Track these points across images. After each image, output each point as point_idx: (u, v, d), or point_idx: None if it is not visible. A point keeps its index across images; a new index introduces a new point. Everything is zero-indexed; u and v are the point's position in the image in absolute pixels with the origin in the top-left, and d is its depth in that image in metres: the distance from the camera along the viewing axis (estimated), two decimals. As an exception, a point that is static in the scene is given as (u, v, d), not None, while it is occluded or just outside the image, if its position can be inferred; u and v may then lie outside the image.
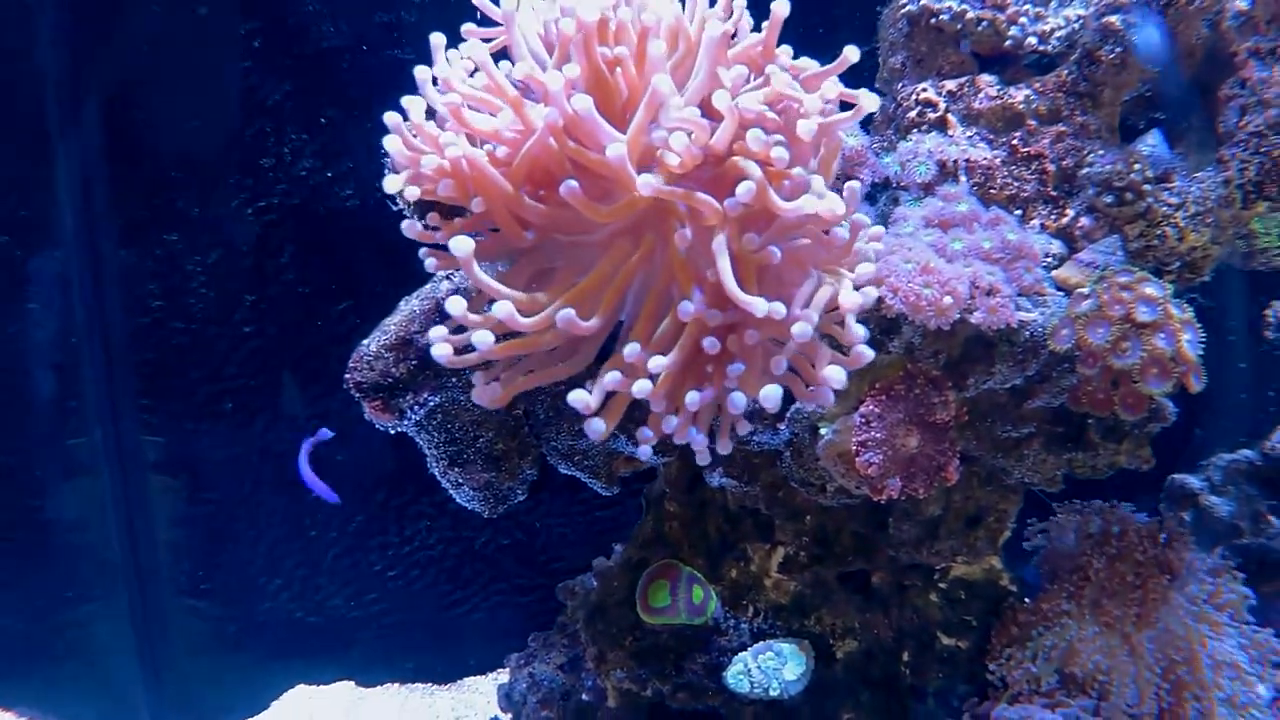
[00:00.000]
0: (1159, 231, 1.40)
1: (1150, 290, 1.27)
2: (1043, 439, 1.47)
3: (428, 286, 1.45)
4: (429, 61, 1.08)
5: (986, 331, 1.33)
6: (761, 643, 1.71)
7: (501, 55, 1.14)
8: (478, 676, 2.60)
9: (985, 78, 1.53)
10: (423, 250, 1.16)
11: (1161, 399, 1.36)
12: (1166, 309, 1.26)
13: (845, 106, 1.07)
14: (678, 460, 1.78)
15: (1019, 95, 1.49)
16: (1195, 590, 1.65)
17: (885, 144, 1.63)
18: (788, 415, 1.52)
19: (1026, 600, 1.72)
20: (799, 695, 1.67)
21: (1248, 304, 2.08)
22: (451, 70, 0.99)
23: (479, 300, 1.15)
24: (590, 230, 0.96)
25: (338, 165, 2.12)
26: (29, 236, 2.14)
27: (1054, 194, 1.49)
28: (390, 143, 0.98)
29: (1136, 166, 1.39)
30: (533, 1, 1.04)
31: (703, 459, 1.06)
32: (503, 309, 0.94)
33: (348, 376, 1.43)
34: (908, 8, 1.59)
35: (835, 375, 0.99)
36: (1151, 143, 1.44)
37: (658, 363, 0.94)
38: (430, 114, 1.11)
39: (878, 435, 1.41)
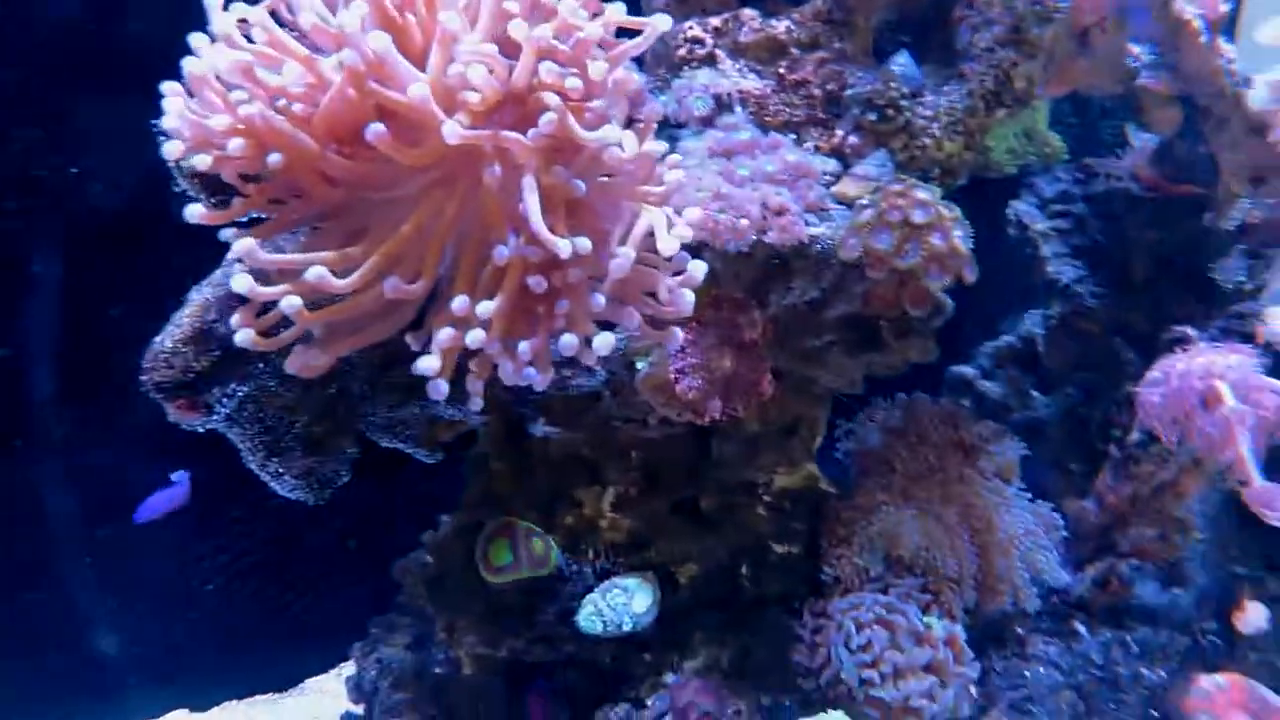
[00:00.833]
0: (919, 143, 1.53)
1: (922, 195, 1.39)
2: (842, 346, 1.59)
3: (218, 272, 1.37)
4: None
5: (781, 249, 1.42)
6: (607, 581, 1.75)
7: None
8: (320, 676, 2.51)
9: (747, 11, 1.60)
10: (226, 232, 1.09)
11: (941, 294, 1.49)
12: (938, 210, 1.38)
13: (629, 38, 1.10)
14: (497, 418, 1.79)
15: (780, 26, 1.57)
16: (985, 464, 1.84)
17: (658, 83, 1.68)
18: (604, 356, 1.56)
19: (843, 497, 1.85)
20: (650, 625, 1.74)
21: (990, 208, 2.31)
22: (231, 28, 0.94)
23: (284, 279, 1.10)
24: (401, 183, 0.94)
25: (82, 160, 1.95)
26: None
27: (823, 116, 1.59)
28: (171, 105, 0.92)
29: (893, 85, 1.51)
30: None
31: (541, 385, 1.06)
32: (314, 272, 0.91)
33: (145, 378, 1.33)
34: (667, -51, 1.65)
35: (684, 299, 1.02)
36: (902, 62, 1.57)
37: (486, 308, 0.94)
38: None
39: (693, 361, 1.47)
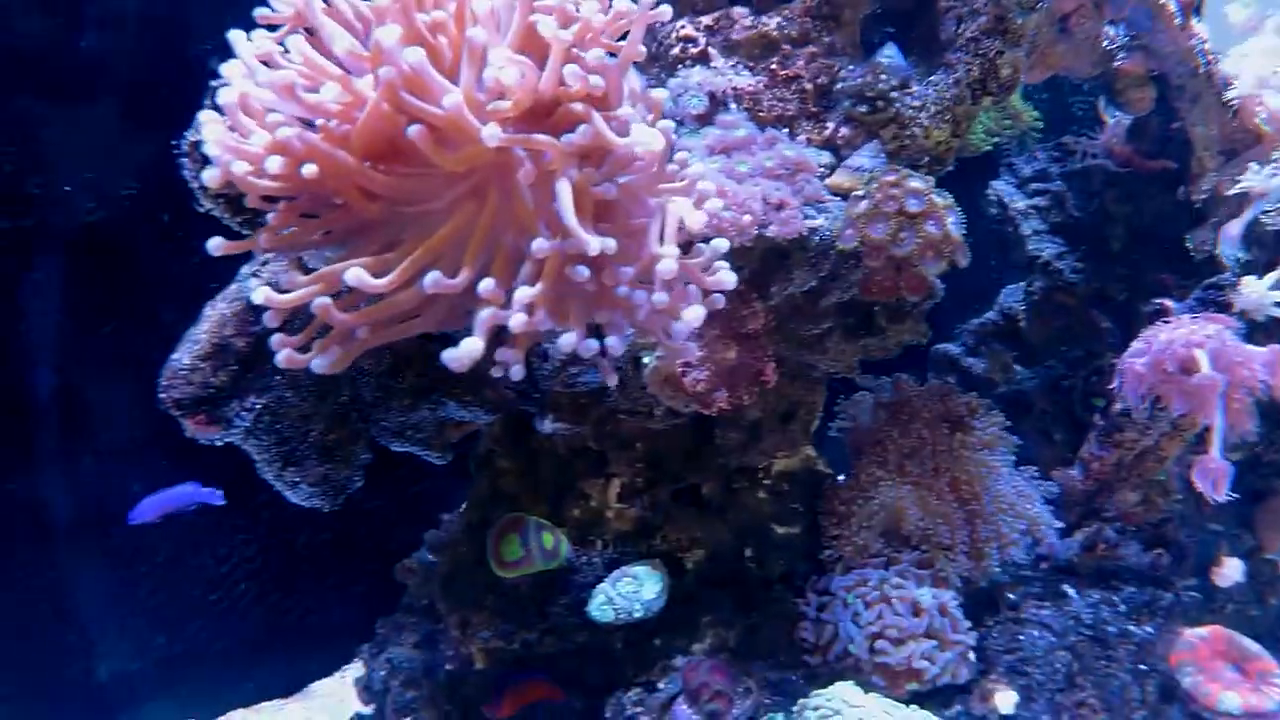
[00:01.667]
0: (908, 132, 1.57)
1: (915, 184, 1.43)
2: (839, 331, 1.63)
3: (234, 287, 1.38)
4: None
5: (781, 242, 1.46)
6: (616, 571, 1.79)
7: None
8: (325, 680, 2.53)
9: (738, 10, 1.63)
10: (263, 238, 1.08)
11: (934, 278, 1.54)
12: (931, 199, 1.43)
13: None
14: (502, 416, 1.82)
15: (771, 23, 1.60)
16: (973, 437, 1.90)
17: (653, 82, 1.70)
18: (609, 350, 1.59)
19: (842, 478, 1.91)
20: (660, 611, 1.78)
21: (967, 185, 2.36)
22: (271, 47, 0.94)
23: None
24: (434, 196, 0.96)
25: (72, 177, 1.93)
26: None
27: (815, 109, 1.62)
28: (209, 130, 0.93)
29: (883, 77, 1.55)
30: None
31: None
32: (353, 274, 0.92)
33: (163, 395, 1.34)
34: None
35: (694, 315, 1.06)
36: (889, 54, 1.61)
37: (525, 292, 0.95)
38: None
39: (700, 353, 1.51)
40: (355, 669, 2.44)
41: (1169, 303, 1.76)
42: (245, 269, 1.43)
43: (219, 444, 1.44)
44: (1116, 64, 1.79)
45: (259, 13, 1.00)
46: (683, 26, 1.65)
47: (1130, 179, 2.07)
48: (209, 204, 1.18)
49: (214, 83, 1.13)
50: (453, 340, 1.55)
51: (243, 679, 2.47)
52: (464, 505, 1.99)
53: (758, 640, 1.88)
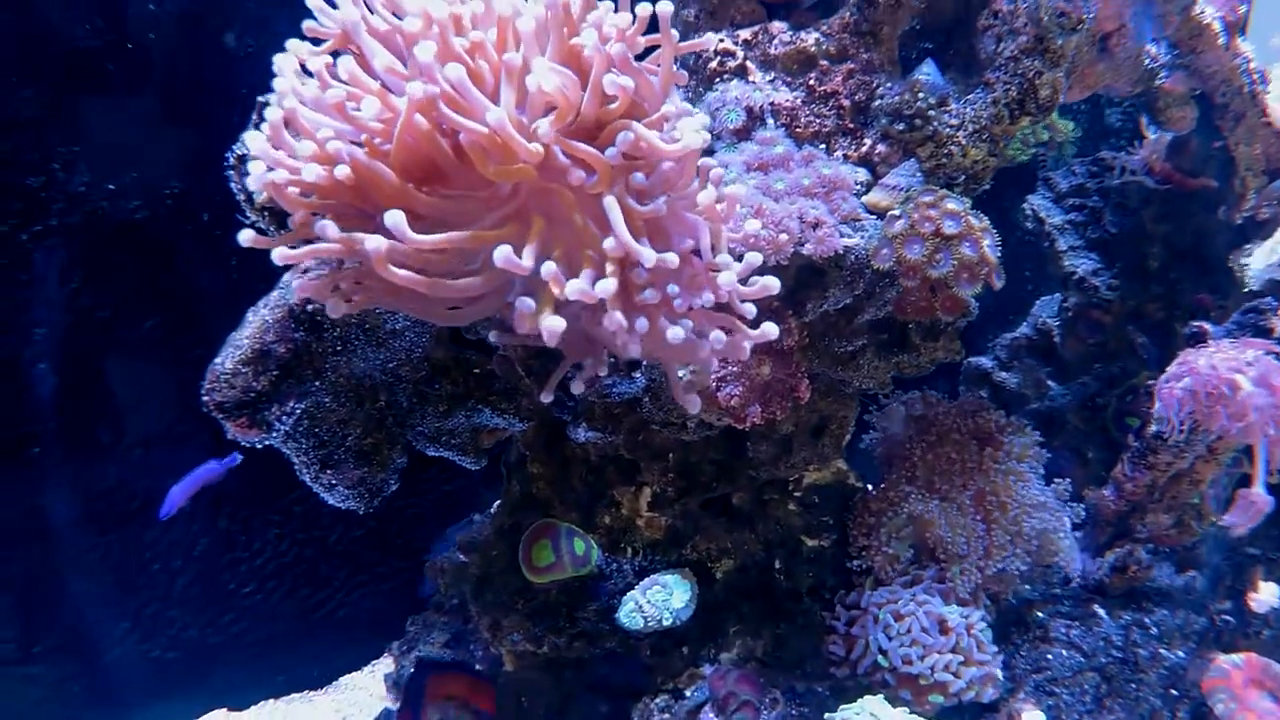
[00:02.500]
0: (946, 150, 1.57)
1: (952, 205, 1.43)
2: (873, 348, 1.64)
3: (275, 294, 1.41)
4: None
5: (817, 260, 1.46)
6: (646, 579, 1.81)
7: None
8: (355, 673, 2.57)
9: (777, 24, 1.64)
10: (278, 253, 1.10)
11: (969, 299, 1.54)
12: (968, 220, 1.43)
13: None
14: (536, 423, 1.84)
15: (810, 38, 1.61)
16: (1003, 453, 1.89)
17: (690, 96, 1.71)
18: (643, 363, 1.61)
19: (872, 490, 1.91)
20: (689, 620, 1.79)
21: (1001, 197, 2.35)
22: (320, 65, 0.97)
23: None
24: (478, 219, 0.98)
25: (119, 176, 1.97)
26: None
27: (851, 126, 1.63)
28: (254, 141, 0.95)
29: (921, 95, 1.55)
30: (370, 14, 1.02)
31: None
32: (391, 217, 0.91)
33: (206, 398, 1.37)
34: (696, -38, 1.67)
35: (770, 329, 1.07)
36: (926, 71, 1.60)
37: (605, 286, 0.96)
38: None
39: (734, 369, 1.52)
40: (385, 664, 2.49)
41: (1207, 326, 1.75)
42: (287, 276, 1.46)
43: (259, 446, 1.47)
44: (1158, 83, 1.78)
45: (306, 25, 1.02)
46: (721, 40, 1.66)
47: (1170, 196, 2.05)
48: (254, 216, 1.21)
49: (261, 99, 1.16)
50: (488, 349, 1.59)
51: (275, 671, 2.51)
52: (496, 508, 2.01)
53: (785, 651, 1.89)
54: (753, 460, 1.78)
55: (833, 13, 1.63)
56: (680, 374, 1.59)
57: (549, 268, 0.94)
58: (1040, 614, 1.95)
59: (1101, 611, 1.95)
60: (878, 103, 1.60)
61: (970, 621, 1.76)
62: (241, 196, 1.23)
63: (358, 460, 1.57)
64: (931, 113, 1.57)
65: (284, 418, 1.42)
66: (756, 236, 1.39)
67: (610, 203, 0.96)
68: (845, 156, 1.63)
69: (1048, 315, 2.32)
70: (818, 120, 1.62)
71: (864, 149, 1.62)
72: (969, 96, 1.60)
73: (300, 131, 0.98)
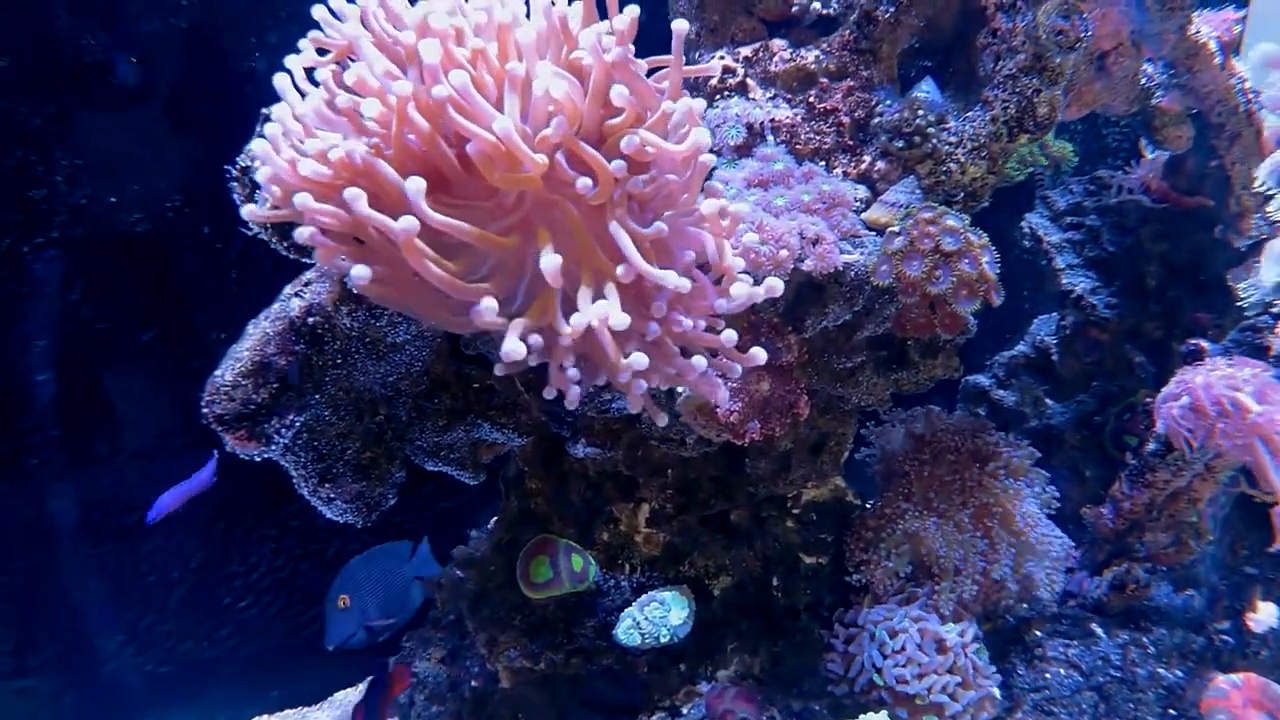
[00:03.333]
0: (944, 168, 1.58)
1: (951, 222, 1.44)
2: (872, 365, 1.64)
3: (276, 307, 1.41)
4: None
5: (817, 276, 1.47)
6: (644, 595, 1.80)
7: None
8: (348, 690, 2.55)
9: (777, 42, 1.65)
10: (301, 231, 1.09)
11: (968, 316, 1.54)
12: (967, 237, 1.43)
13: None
14: (535, 438, 1.83)
15: (810, 56, 1.62)
16: (1001, 471, 1.89)
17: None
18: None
19: (869, 507, 1.90)
20: (686, 637, 1.78)
21: (998, 216, 2.36)
22: (327, 75, 0.97)
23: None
24: (481, 226, 0.98)
25: (121, 189, 1.98)
26: None
27: (851, 143, 1.64)
28: (261, 150, 0.95)
29: (920, 112, 1.56)
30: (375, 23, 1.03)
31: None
32: (413, 183, 0.90)
33: (205, 410, 1.37)
34: (698, -21, 1.69)
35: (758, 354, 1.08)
36: (926, 89, 1.62)
37: (621, 321, 0.96)
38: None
39: (733, 385, 1.52)
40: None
41: (1204, 344, 1.75)
42: (288, 288, 1.46)
43: (258, 459, 1.47)
44: (1155, 101, 1.79)
45: (311, 35, 1.03)
46: (722, 57, 1.67)
47: (1167, 215, 2.06)
48: (257, 227, 1.21)
49: (265, 110, 1.16)
50: (488, 364, 1.58)
51: (269, 686, 2.50)
52: (493, 524, 2.01)
53: (783, 669, 1.88)
54: (751, 477, 1.78)
55: (833, 31, 1.64)
56: (681, 390, 1.60)
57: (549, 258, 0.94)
58: (1038, 632, 1.94)
59: (1099, 630, 1.95)
60: (877, 120, 1.61)
61: (967, 641, 1.76)
62: (244, 208, 1.23)
63: (356, 474, 1.57)
64: (930, 130, 1.58)
65: (283, 430, 1.42)
66: (757, 252, 1.40)
67: (617, 228, 0.96)
68: (845, 173, 1.63)
69: (1045, 333, 2.33)
70: (818, 137, 1.63)
71: (863, 166, 1.63)
72: (968, 114, 1.61)
73: (306, 136, 0.98)
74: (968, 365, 2.42)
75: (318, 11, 1.01)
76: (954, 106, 1.64)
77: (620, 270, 0.95)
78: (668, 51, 1.07)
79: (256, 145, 0.96)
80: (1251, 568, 2.09)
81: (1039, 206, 2.28)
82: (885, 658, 1.72)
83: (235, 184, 1.22)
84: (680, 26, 1.02)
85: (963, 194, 1.62)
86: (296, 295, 1.40)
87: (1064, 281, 2.16)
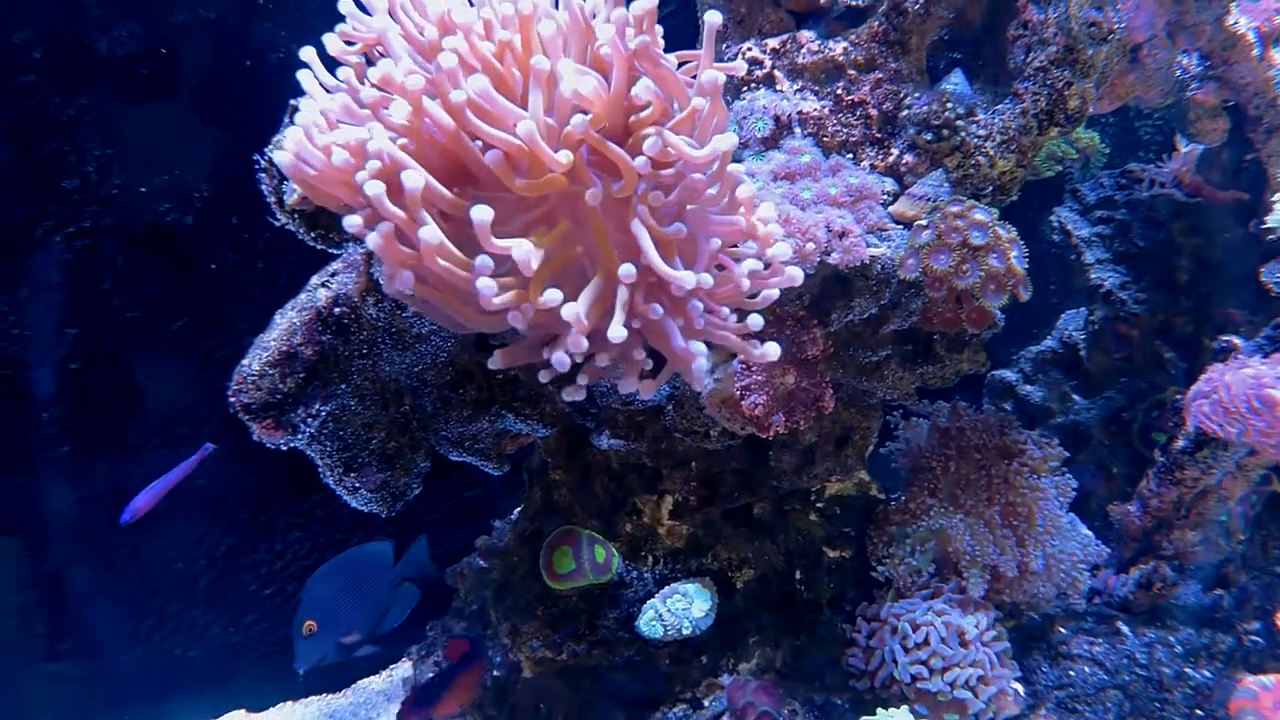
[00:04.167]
0: (973, 161, 1.56)
1: (979, 216, 1.43)
2: (898, 359, 1.63)
3: (303, 296, 1.42)
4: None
5: (843, 270, 1.46)
6: (667, 587, 1.80)
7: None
8: (372, 677, 2.57)
9: (805, 33, 1.63)
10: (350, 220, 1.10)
11: (996, 311, 1.53)
12: (995, 231, 1.42)
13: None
14: (559, 430, 1.84)
15: (838, 48, 1.60)
16: (1027, 468, 1.87)
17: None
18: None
19: (894, 501, 1.89)
20: (708, 629, 1.78)
21: (1028, 210, 2.34)
22: (350, 73, 0.97)
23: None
24: (507, 221, 0.99)
25: (151, 179, 2.00)
26: None
27: (879, 135, 1.62)
28: (291, 142, 0.96)
29: (949, 105, 1.54)
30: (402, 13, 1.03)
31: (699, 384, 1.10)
32: (410, 176, 0.91)
33: (233, 399, 1.38)
34: (725, -29, 1.68)
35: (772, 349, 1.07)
36: (955, 81, 1.60)
37: (619, 334, 0.96)
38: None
39: (758, 378, 1.52)
40: (403, 668, 2.49)
41: (1237, 340, 1.73)
42: (314, 279, 1.47)
43: (284, 448, 1.48)
44: (1190, 94, 1.76)
45: (340, 28, 1.03)
46: (749, 49, 1.66)
47: (1200, 210, 2.03)
48: (284, 218, 1.22)
49: (293, 101, 1.17)
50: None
51: (293, 672, 2.52)
52: (518, 514, 2.02)
53: (804, 663, 1.88)
54: (775, 470, 1.77)
55: (861, 22, 1.63)
56: (707, 382, 1.60)
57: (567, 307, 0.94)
58: (1063, 630, 1.93)
59: (1126, 628, 1.93)
60: (905, 112, 1.60)
61: (990, 634, 1.74)
62: (272, 199, 1.24)
63: (381, 464, 1.58)
64: (959, 123, 1.56)
65: (309, 420, 1.43)
66: (782, 245, 1.39)
67: (638, 227, 0.96)
68: (872, 166, 1.62)
69: (1074, 328, 2.30)
70: (845, 130, 1.61)
71: (891, 159, 1.62)
72: (997, 107, 1.59)
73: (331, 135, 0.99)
74: (994, 359, 2.41)
75: (344, 5, 1.01)
76: (983, 99, 1.62)
77: (622, 271, 0.95)
78: (698, 45, 1.06)
79: (285, 136, 0.97)
80: (1283, 567, 2.07)
81: (1068, 200, 2.25)
82: (906, 652, 1.71)
83: (264, 174, 1.23)
84: (713, 19, 1.01)
85: (991, 188, 1.60)
86: (323, 286, 1.41)
87: (1093, 276, 2.14)
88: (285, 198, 1.19)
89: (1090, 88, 1.55)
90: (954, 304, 1.50)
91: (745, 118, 1.61)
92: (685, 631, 1.75)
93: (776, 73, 1.64)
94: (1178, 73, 1.74)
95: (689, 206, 1.08)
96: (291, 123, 1.17)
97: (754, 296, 1.09)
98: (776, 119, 1.60)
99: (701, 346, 1.02)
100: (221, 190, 2.08)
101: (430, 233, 0.89)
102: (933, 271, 1.44)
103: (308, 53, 1.04)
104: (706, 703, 1.83)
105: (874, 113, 1.61)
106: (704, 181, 1.02)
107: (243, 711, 2.46)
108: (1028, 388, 2.30)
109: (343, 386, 1.45)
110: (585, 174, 0.96)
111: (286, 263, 2.15)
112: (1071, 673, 1.88)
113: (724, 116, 1.06)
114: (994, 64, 1.65)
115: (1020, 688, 1.77)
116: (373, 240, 0.91)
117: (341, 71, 0.97)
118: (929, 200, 1.53)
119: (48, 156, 1.92)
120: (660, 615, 1.76)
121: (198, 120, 2.06)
